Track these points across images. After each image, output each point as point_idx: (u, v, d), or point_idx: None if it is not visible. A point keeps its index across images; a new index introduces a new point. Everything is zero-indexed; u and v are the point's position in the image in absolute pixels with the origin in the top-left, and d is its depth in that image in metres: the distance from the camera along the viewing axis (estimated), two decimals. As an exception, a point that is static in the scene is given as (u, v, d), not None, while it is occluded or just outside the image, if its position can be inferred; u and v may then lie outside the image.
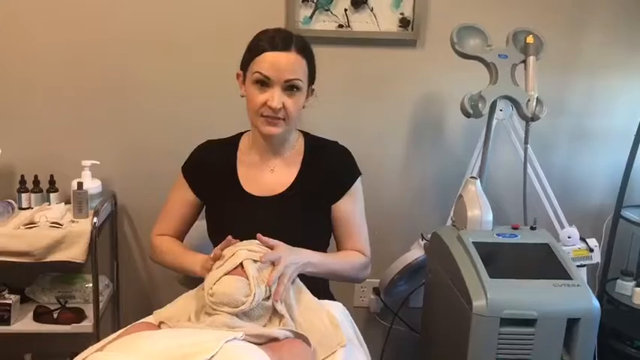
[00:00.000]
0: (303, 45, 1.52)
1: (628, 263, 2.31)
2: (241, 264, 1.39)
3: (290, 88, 1.50)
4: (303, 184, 1.60)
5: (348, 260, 1.61)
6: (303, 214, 1.58)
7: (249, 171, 1.63)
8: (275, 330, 1.30)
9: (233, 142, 1.68)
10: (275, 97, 1.48)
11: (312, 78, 1.57)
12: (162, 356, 1.09)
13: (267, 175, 1.62)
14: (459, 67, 2.00)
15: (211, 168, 1.64)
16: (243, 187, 1.61)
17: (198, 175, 1.65)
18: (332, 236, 1.69)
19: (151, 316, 1.46)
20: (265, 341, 1.27)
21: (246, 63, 1.54)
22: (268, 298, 1.37)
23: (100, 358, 1.13)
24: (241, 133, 1.71)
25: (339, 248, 1.66)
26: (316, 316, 1.42)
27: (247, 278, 1.35)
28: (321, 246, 1.63)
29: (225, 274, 1.37)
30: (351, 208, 1.63)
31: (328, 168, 1.63)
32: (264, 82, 1.49)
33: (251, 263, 1.39)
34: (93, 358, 1.14)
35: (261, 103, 1.50)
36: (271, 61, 1.47)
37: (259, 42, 1.51)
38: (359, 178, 1.66)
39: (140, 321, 1.45)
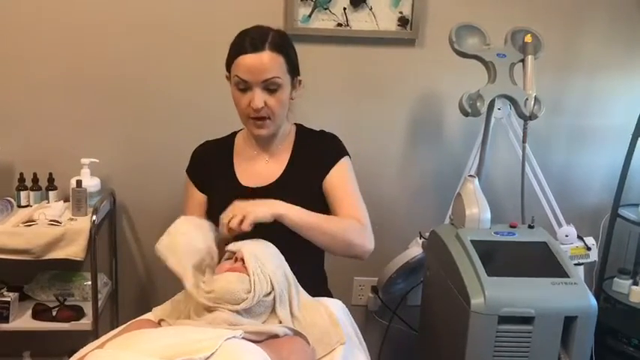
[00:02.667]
0: (277, 41, 1.53)
1: (625, 262, 2.32)
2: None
3: (269, 86, 1.52)
4: (293, 170, 1.64)
5: (337, 220, 1.55)
6: (297, 198, 1.58)
7: (245, 165, 1.67)
8: (275, 327, 1.31)
9: (229, 140, 1.74)
10: (255, 97, 1.52)
11: (293, 71, 1.58)
12: (162, 354, 1.09)
13: (261, 167, 1.66)
14: (458, 66, 2.01)
15: (210, 165, 1.69)
16: (240, 181, 1.65)
17: (200, 173, 1.70)
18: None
19: (150, 312, 1.47)
20: (265, 338, 1.28)
21: (228, 66, 1.57)
22: (269, 294, 1.37)
23: (100, 355, 1.14)
24: (235, 133, 1.75)
25: None
26: (316, 314, 1.43)
27: (248, 274, 1.36)
28: None
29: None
30: (341, 180, 1.62)
31: (315, 150, 1.66)
32: (244, 85, 1.52)
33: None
34: (93, 355, 1.15)
35: (245, 105, 1.54)
36: (246, 64, 1.50)
37: (235, 45, 1.54)
38: (346, 157, 1.66)
39: (140, 318, 1.45)
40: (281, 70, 1.53)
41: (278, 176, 1.64)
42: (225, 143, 1.73)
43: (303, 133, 1.71)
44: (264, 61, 1.49)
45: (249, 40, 1.51)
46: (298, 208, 1.49)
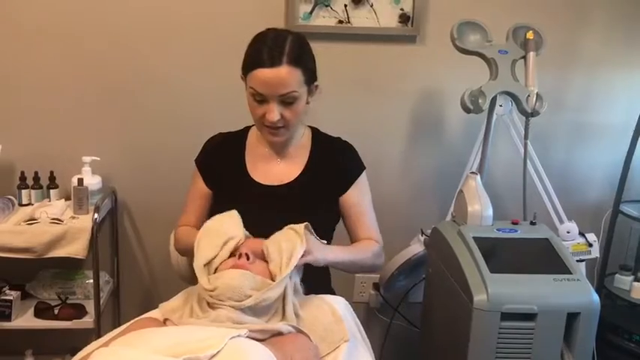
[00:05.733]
0: (295, 53, 1.49)
1: (626, 258, 2.32)
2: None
3: (286, 100, 1.51)
4: (310, 176, 1.65)
5: (366, 249, 1.64)
6: (309, 204, 1.61)
7: (258, 162, 1.67)
8: (279, 325, 1.31)
9: (242, 134, 1.73)
10: (272, 111, 1.51)
11: (311, 80, 1.57)
12: (167, 352, 1.09)
13: (275, 166, 1.66)
14: (459, 63, 2.01)
15: (221, 159, 1.69)
16: (252, 176, 1.65)
17: (210, 166, 1.70)
18: (339, 229, 1.71)
19: (155, 310, 1.46)
20: (269, 336, 1.28)
21: (243, 72, 1.55)
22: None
23: (105, 353, 1.14)
24: (249, 127, 1.73)
25: (352, 238, 1.69)
26: (320, 311, 1.43)
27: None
28: (324, 237, 1.64)
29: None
30: (359, 198, 1.67)
31: (335, 162, 1.67)
32: (259, 97, 1.51)
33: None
34: (98, 353, 1.15)
35: (260, 115, 1.54)
36: (263, 79, 1.48)
37: (251, 54, 1.52)
38: (364, 171, 1.71)
39: (144, 315, 1.46)
40: (298, 84, 1.51)
41: (294, 178, 1.64)
42: (238, 137, 1.71)
43: (319, 138, 1.71)
44: (282, 76, 1.47)
45: (266, 52, 1.47)
46: (335, 247, 1.56)
